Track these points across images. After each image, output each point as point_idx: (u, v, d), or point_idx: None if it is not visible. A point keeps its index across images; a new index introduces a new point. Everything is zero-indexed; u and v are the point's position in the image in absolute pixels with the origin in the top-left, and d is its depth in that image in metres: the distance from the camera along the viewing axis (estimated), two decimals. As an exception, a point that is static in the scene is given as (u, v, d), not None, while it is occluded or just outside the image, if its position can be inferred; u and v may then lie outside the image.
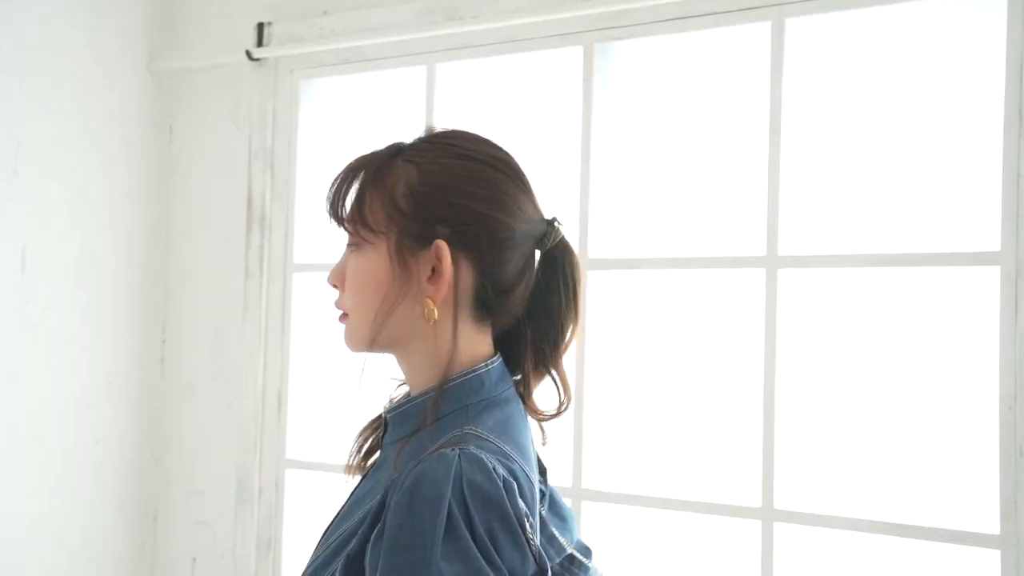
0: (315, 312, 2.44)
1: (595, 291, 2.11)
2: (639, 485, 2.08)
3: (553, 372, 1.12)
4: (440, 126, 1.14)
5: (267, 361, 2.46)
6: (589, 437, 2.09)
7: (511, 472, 0.98)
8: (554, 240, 1.11)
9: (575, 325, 1.12)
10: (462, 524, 0.92)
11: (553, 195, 2.18)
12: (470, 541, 0.92)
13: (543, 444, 1.15)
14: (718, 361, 2.06)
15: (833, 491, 1.94)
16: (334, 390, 2.43)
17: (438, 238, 1.04)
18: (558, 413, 1.13)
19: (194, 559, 2.55)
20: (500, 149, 1.11)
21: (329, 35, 2.37)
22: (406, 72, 2.35)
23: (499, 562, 0.93)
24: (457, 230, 1.05)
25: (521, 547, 0.95)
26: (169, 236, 2.62)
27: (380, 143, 1.13)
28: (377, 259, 1.06)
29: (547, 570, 0.97)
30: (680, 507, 2.00)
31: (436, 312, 1.04)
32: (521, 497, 0.97)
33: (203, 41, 2.57)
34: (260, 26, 2.45)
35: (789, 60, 1.93)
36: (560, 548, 1.09)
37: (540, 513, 1.05)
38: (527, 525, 0.96)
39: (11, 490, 2.27)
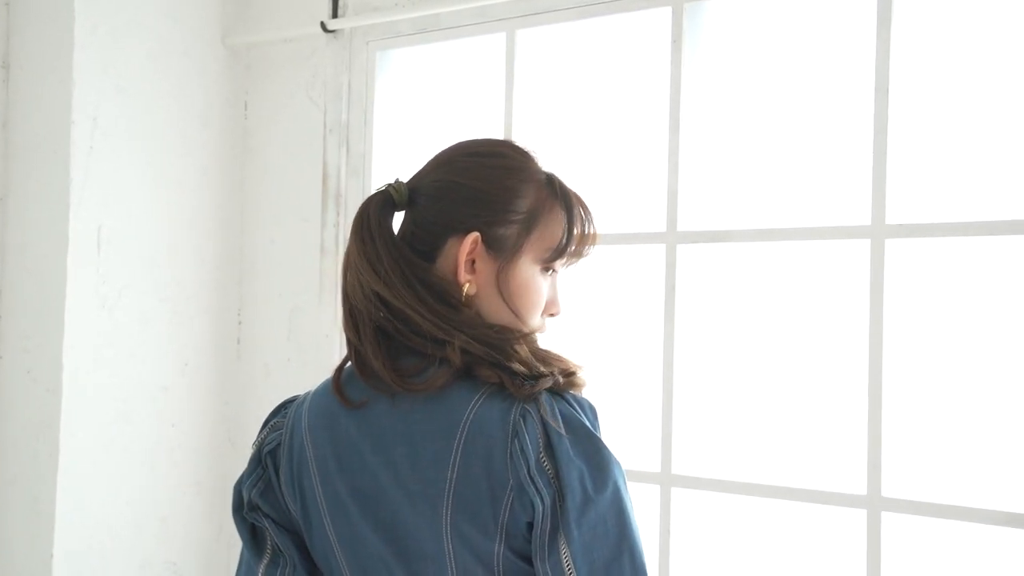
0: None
1: (685, 266, 2.00)
2: (733, 471, 1.97)
3: None
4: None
5: (343, 342, 2.39)
6: (679, 421, 1.99)
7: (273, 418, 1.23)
8: None
9: None
10: None
11: (639, 166, 2.08)
12: None
13: None
14: (818, 340, 1.93)
15: (943, 479, 1.80)
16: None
17: None
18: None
19: (272, 542, 2.50)
20: None
21: (406, 3, 2.29)
22: (485, 40, 2.26)
23: None
24: None
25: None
26: (244, 214, 2.58)
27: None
28: None
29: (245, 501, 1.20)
30: (780, 495, 1.89)
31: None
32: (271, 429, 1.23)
33: (277, 14, 2.51)
34: (334, -4, 2.39)
35: (896, 19, 1.79)
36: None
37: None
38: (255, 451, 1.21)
39: (92, 471, 2.25)
